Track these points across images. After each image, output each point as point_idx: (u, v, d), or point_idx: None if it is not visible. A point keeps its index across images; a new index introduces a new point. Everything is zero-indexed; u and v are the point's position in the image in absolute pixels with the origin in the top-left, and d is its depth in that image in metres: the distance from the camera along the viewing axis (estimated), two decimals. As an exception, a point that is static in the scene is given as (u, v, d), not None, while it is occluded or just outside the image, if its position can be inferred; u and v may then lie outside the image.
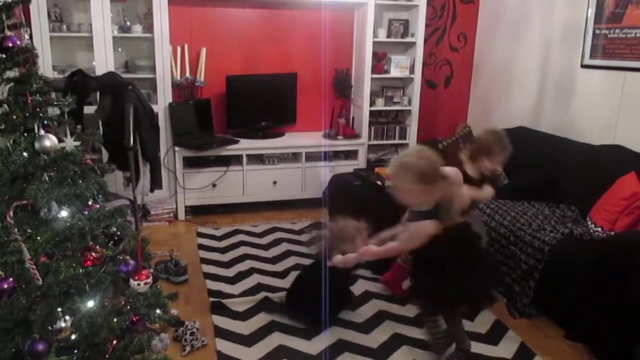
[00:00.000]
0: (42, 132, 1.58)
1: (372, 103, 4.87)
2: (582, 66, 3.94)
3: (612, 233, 3.00)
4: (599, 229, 3.08)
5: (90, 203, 1.72)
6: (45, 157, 1.50)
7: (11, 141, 1.54)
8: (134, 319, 1.68)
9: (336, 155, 4.92)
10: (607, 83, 3.73)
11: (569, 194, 3.58)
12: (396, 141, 5.07)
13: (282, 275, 3.51)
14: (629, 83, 3.57)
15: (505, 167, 4.09)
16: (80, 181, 1.66)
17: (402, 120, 5.18)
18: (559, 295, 2.89)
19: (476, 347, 2.67)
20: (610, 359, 2.58)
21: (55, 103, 1.66)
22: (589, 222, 3.20)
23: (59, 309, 1.50)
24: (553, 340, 2.87)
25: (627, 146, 3.47)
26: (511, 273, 3.17)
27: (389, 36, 4.88)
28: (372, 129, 4.93)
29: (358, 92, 4.91)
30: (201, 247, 3.92)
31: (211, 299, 3.15)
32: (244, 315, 3.00)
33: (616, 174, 3.19)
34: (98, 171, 1.79)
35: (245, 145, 4.53)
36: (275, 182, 4.62)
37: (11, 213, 1.42)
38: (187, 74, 4.44)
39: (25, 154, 1.54)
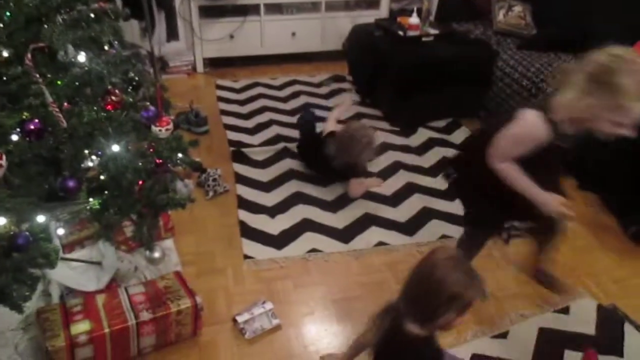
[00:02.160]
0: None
1: (397, -54, 4.54)
2: None
3: None
4: (625, 82, 2.99)
5: (106, 48, 1.72)
6: (57, -2, 1.47)
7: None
8: (157, 161, 1.75)
9: (357, 4, 4.69)
10: None
11: (601, 45, 3.41)
12: (421, -11, 4.79)
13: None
14: None
15: (535, 17, 3.92)
16: (95, 25, 1.64)
17: (428, -35, 4.84)
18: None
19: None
20: (622, 207, 2.66)
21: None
22: (616, 75, 3.10)
23: (86, 151, 1.58)
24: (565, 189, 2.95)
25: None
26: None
27: None
28: (396, -25, 4.64)
29: None
30: (220, 99, 3.95)
31: (231, 149, 3.25)
32: (263, 164, 3.12)
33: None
34: (112, 15, 1.76)
35: (263, -7, 4.33)
36: (294, 34, 4.48)
37: (29, 55, 1.43)
38: None
39: (36, -5, 1.51)
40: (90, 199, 1.72)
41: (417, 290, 1.43)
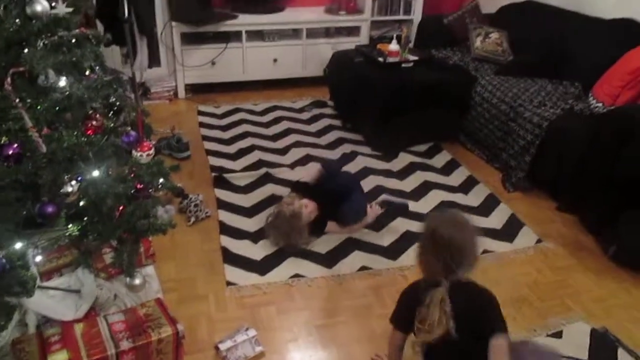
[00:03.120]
0: (31, -4, 1.53)
1: (376, -25, 4.64)
2: None
3: (613, 107, 2.99)
4: (600, 105, 3.07)
5: (87, 73, 1.72)
6: (38, 23, 1.47)
7: (2, 7, 1.50)
8: (138, 186, 1.74)
9: (338, 31, 4.77)
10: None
11: (575, 70, 3.52)
12: (400, 16, 4.88)
13: (283, 152, 3.57)
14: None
15: (511, 43, 4.02)
16: (77, 50, 1.64)
17: (407, -6, 4.95)
18: (554, 169, 2.95)
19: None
20: (597, 228, 2.70)
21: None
22: (591, 98, 3.18)
23: (65, 176, 1.56)
24: (544, 211, 2.99)
25: (640, 20, 3.35)
26: (508, 149, 3.22)
27: None
28: (376, 3, 4.72)
29: (361, -37, 4.65)
30: (202, 125, 3.95)
31: (213, 174, 3.23)
32: (245, 189, 3.10)
33: (625, 49, 3.10)
34: (93, 41, 1.76)
35: (245, 21, 4.38)
36: (275, 60, 4.53)
37: (9, 79, 1.42)
38: (180, -58, 4.18)
39: (17, 20, 1.50)
40: (69, 225, 1.69)
41: (462, 242, 1.63)
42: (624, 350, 2.11)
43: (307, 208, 2.63)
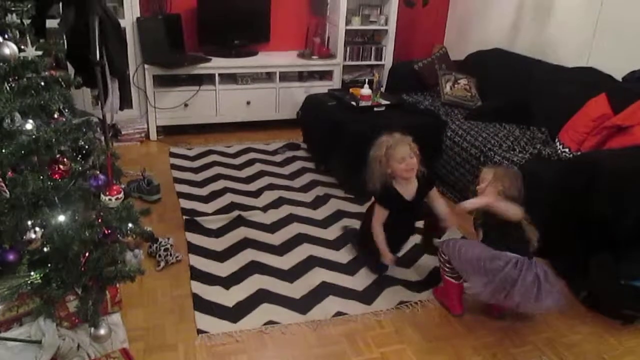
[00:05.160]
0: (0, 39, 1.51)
1: (348, 22, 4.75)
2: (561, -15, 3.88)
3: (579, 153, 3.07)
4: (567, 150, 3.15)
5: (56, 116, 1.68)
6: (5, 66, 1.44)
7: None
8: (106, 231, 1.69)
9: (311, 75, 4.84)
10: (586, 2, 3.68)
11: (541, 115, 3.63)
12: (372, 62, 5.00)
13: (255, 194, 3.54)
14: (607, 2, 3.53)
15: (479, 89, 4.13)
16: (45, 93, 1.61)
17: (378, 40, 5.08)
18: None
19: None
20: (569, 272, 2.72)
21: (13, 9, 1.57)
22: (558, 144, 3.26)
23: (29, 221, 1.50)
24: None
25: (601, 68, 3.49)
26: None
27: (366, -50, 4.69)
28: (348, 48, 4.84)
29: (334, 10, 4.76)
30: (174, 167, 3.90)
31: (185, 217, 3.17)
32: (217, 233, 3.05)
33: (588, 96, 3.21)
34: (63, 83, 1.74)
35: (218, 64, 4.41)
36: (248, 103, 4.55)
37: (-28, 123, 1.38)
38: (155, -13, 4.24)
39: (-17, 62, 1.47)
40: (32, 273, 1.62)
41: None
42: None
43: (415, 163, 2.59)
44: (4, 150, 1.50)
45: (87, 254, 1.67)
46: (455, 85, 4.17)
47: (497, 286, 2.26)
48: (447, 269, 2.47)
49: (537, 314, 2.52)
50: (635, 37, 3.35)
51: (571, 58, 3.77)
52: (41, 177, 1.52)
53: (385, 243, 2.65)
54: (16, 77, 1.50)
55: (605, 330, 2.47)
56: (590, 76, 3.47)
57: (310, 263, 2.83)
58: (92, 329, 2.13)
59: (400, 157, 2.55)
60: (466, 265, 2.36)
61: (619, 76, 3.35)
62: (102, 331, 2.14)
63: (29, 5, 1.66)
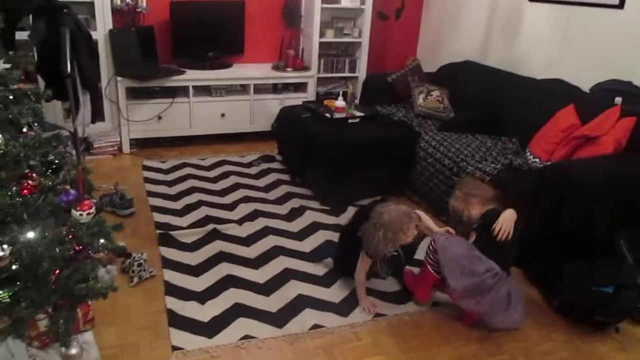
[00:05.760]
0: (-34, 53, 1.48)
1: (322, 34, 4.78)
2: (530, 0, 3.98)
3: (549, 163, 3.13)
4: (537, 160, 3.21)
5: (25, 130, 1.65)
6: (-28, 80, 1.41)
7: None
8: (77, 248, 1.65)
9: (285, 87, 4.85)
10: (553, 17, 3.79)
11: (512, 126, 3.70)
12: (346, 74, 5.04)
13: (230, 207, 3.51)
14: (573, 17, 3.63)
15: (451, 101, 4.20)
16: (14, 106, 1.58)
17: (352, 52, 5.12)
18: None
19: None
20: (542, 280, 2.76)
21: (-20, 21, 1.54)
22: (528, 154, 3.32)
23: (-3, 239, 1.47)
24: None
25: (569, 80, 3.58)
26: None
27: (339, -36, 4.74)
28: (322, 61, 4.87)
29: (308, 22, 4.79)
30: (147, 180, 3.85)
31: (158, 231, 3.13)
32: (191, 247, 3.01)
33: (556, 107, 3.29)
34: (32, 97, 1.71)
35: (192, 76, 4.39)
36: (223, 115, 4.53)
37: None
38: (128, -1, 4.21)
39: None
40: (0, 291, 1.57)
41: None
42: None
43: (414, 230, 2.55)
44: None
45: (57, 272, 1.63)
46: (428, 97, 4.22)
47: (471, 288, 2.32)
48: (431, 260, 2.52)
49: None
50: (600, 51, 3.45)
51: (540, 70, 3.86)
52: (9, 193, 1.49)
53: (364, 291, 2.65)
54: (-17, 91, 1.47)
55: (577, 337, 2.51)
56: (559, 88, 3.56)
57: (286, 276, 2.81)
58: (64, 348, 2.09)
59: (403, 236, 2.50)
60: (449, 261, 2.41)
61: (586, 87, 3.44)
62: (73, 350, 2.09)
63: (-3, 18, 1.63)
